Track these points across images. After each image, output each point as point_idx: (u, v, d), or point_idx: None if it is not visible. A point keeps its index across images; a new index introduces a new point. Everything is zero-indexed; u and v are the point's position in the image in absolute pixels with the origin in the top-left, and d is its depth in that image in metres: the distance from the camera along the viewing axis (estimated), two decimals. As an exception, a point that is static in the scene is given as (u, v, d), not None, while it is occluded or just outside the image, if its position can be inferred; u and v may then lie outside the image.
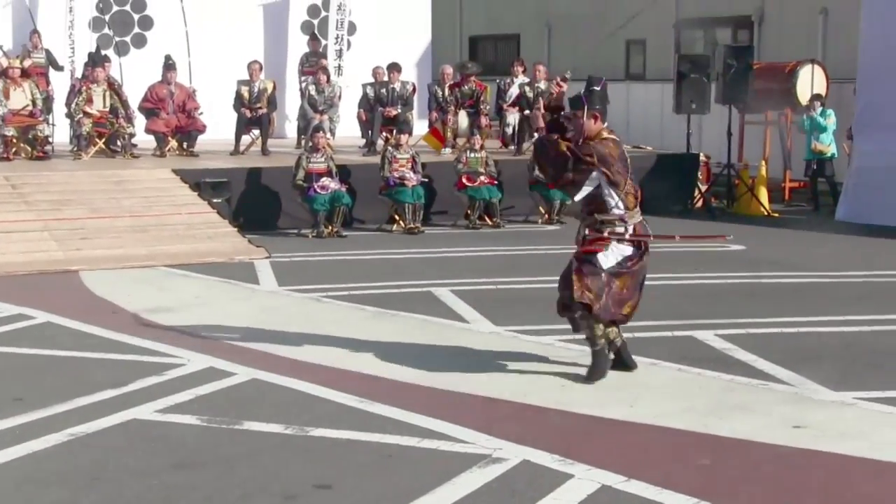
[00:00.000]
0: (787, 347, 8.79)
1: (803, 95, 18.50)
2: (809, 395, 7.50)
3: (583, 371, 7.98)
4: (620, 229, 7.75)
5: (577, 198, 7.78)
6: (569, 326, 8.73)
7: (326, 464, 6.27)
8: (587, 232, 7.81)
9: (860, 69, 16.73)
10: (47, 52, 18.03)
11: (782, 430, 6.77)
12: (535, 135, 8.03)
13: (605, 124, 7.92)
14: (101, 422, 6.96)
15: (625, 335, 8.12)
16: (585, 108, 7.77)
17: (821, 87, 18.57)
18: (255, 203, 15.62)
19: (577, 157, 7.66)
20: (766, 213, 17.46)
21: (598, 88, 7.87)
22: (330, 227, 15.07)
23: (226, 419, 6.99)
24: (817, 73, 18.80)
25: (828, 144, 17.80)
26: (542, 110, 8.04)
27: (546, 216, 16.48)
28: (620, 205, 7.75)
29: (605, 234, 7.72)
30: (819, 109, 17.86)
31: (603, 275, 7.74)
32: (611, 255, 7.76)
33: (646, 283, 8.08)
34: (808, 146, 17.99)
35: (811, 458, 6.34)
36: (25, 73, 16.68)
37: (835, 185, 17.62)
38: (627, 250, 7.79)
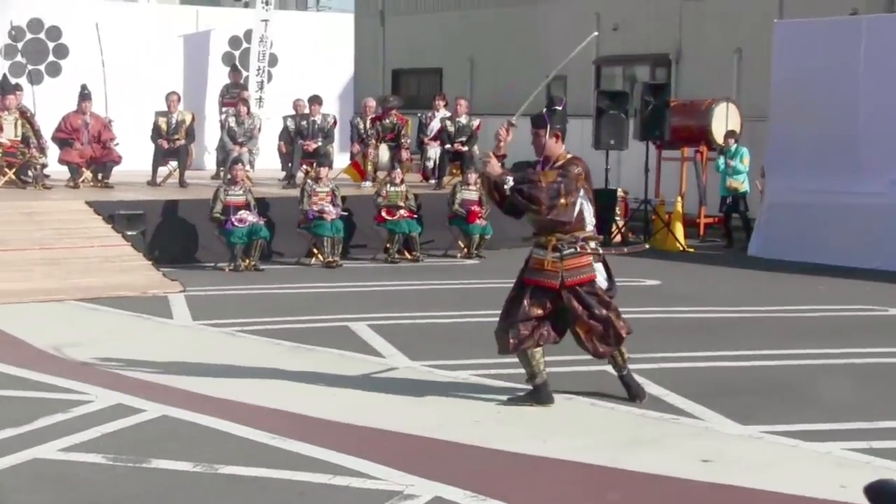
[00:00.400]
0: (698, 382, 8.88)
1: (718, 133, 18.81)
2: (719, 429, 7.58)
3: (497, 406, 8.01)
4: (593, 244, 7.94)
5: (573, 217, 7.83)
6: (484, 361, 8.77)
7: (235, 502, 6.18)
8: (577, 249, 7.84)
9: (772, 108, 17.08)
10: (-45, 79, 17.71)
11: (692, 464, 6.82)
12: (508, 181, 7.75)
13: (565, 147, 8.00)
14: (1, 461, 6.77)
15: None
16: (548, 126, 7.87)
17: (735, 125, 18.89)
18: (171, 236, 15.45)
19: (567, 178, 7.73)
20: (681, 249, 17.69)
21: (559, 108, 7.96)
22: (247, 261, 14.95)
23: (132, 458, 6.85)
24: (732, 112, 19.13)
25: (741, 182, 18.14)
26: (492, 158, 7.94)
27: (465, 250, 16.52)
28: (593, 220, 7.97)
29: (588, 251, 7.86)
30: (734, 146, 18.17)
31: (607, 296, 7.98)
32: (600, 276, 7.97)
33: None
34: (723, 182, 18.32)
35: (719, 491, 6.39)
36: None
37: (748, 221, 17.95)
38: (600, 266, 8.00)
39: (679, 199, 18.55)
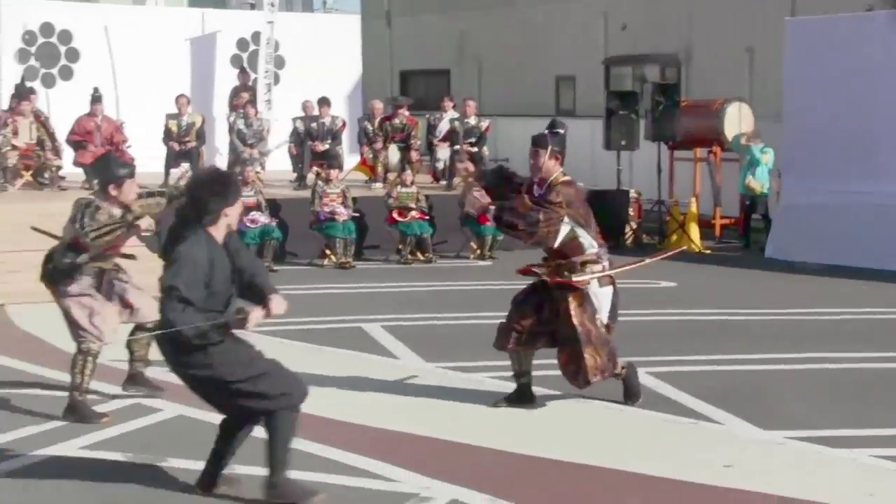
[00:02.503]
0: (717, 385, 8.77)
1: (731, 133, 18.65)
2: (739, 434, 7.49)
3: (508, 408, 7.94)
4: (599, 267, 7.87)
5: (557, 244, 7.75)
6: (497, 363, 8.68)
7: (248, 502, 6.12)
8: (577, 278, 7.80)
9: (785, 108, 16.88)
10: (-28, 84, 17.74)
11: (712, 469, 6.74)
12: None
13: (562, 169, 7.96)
14: (24, 458, 6.87)
15: (549, 372, 8.12)
16: (550, 147, 7.85)
17: (748, 125, 18.73)
18: (182, 237, 15.39)
19: (547, 205, 7.67)
20: (697, 250, 17.53)
21: (562, 131, 7.96)
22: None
23: (150, 456, 6.88)
24: (744, 111, 18.97)
25: (761, 183, 17.87)
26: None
27: (478, 252, 16.44)
28: (594, 244, 7.87)
29: (587, 273, 7.80)
30: (760, 145, 17.90)
31: (603, 329, 7.89)
32: (604, 304, 7.89)
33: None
34: (743, 180, 18.03)
35: (741, 497, 6.32)
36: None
37: (770, 222, 17.66)
38: (608, 293, 7.92)
39: (693, 199, 18.36)
